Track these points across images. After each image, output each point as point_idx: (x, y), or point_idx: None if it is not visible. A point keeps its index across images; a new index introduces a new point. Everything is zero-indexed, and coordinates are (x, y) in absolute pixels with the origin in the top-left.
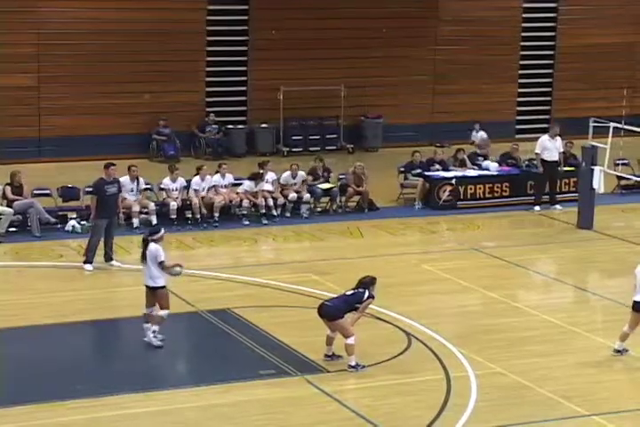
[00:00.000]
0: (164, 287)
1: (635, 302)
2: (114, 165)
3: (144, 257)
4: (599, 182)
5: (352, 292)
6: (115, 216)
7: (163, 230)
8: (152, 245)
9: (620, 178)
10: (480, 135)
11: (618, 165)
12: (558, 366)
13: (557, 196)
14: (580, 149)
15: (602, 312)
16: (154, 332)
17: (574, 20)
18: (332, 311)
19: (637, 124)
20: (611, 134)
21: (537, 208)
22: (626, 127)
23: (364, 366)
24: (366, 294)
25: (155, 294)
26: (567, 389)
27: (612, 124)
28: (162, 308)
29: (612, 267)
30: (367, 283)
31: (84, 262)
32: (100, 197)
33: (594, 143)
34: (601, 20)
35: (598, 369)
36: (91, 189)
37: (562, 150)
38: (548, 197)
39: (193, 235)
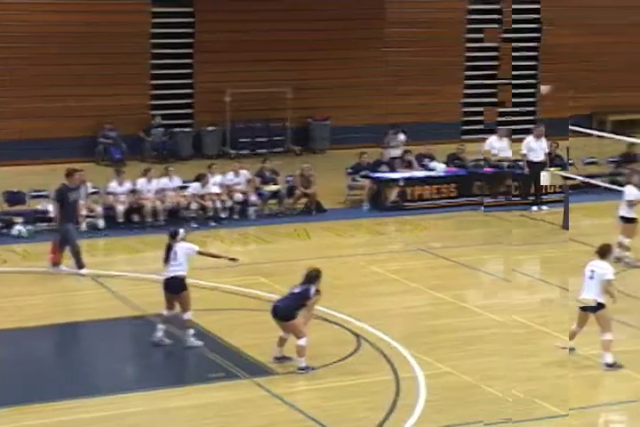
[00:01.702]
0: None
1: (584, 302)
2: (79, 171)
3: (167, 259)
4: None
5: (299, 289)
6: (74, 221)
7: (182, 230)
8: (181, 244)
9: (566, 178)
10: (399, 137)
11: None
12: (506, 366)
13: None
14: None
15: (548, 311)
16: (193, 335)
17: (554, 20)
18: (285, 312)
19: (579, 124)
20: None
21: (534, 208)
22: (570, 128)
23: (313, 368)
24: (312, 289)
25: (179, 296)
26: (517, 387)
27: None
28: (186, 310)
29: (560, 266)
30: (313, 277)
31: (79, 268)
32: (62, 204)
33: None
34: (547, 21)
35: (547, 368)
36: (54, 196)
37: (547, 151)
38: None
39: (141, 238)
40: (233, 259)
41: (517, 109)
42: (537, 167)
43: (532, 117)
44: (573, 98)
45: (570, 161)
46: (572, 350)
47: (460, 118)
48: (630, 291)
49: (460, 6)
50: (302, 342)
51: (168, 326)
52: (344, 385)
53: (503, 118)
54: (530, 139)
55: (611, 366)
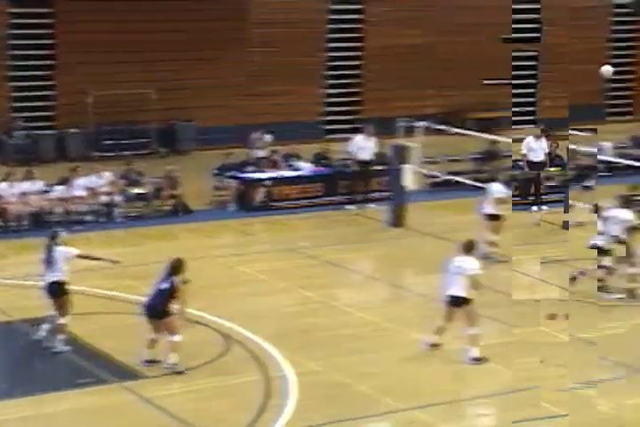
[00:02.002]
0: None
1: (451, 297)
2: None
3: (46, 263)
4: (409, 180)
5: (166, 284)
6: None
7: (63, 232)
8: (59, 248)
9: (428, 176)
10: (265, 137)
11: (426, 162)
12: (377, 363)
13: (369, 194)
14: (390, 149)
15: (416, 308)
16: (61, 340)
17: (380, 21)
18: (158, 309)
19: (441, 122)
20: (419, 133)
21: (534, 208)
22: (432, 126)
23: (185, 371)
24: (176, 281)
25: (59, 301)
26: (386, 384)
27: (420, 124)
28: (64, 315)
29: (425, 263)
30: (176, 268)
31: None
32: None
33: (403, 142)
34: (405, 21)
35: (416, 364)
36: None
37: (547, 151)
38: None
39: (4, 243)
40: (115, 261)
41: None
42: (537, 167)
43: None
44: (434, 96)
45: (433, 159)
46: (436, 345)
47: (323, 118)
48: (496, 286)
49: (320, 7)
50: (177, 338)
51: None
52: (214, 387)
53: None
54: (530, 139)
55: (477, 360)
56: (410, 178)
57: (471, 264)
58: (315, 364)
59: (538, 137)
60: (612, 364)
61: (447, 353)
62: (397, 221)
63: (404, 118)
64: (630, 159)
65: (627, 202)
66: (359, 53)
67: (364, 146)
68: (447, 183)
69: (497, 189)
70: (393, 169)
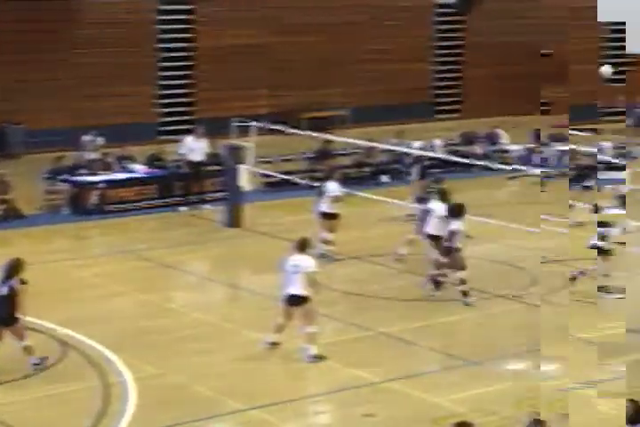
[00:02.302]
0: None
1: (289, 296)
2: None
3: None
4: (245, 180)
5: (4, 290)
6: None
7: None
8: None
9: (264, 175)
10: (97, 140)
11: (261, 162)
12: (216, 364)
13: (204, 195)
14: (224, 149)
15: (254, 308)
16: None
17: (212, 21)
18: (3, 316)
19: (276, 122)
20: (253, 133)
21: (184, 209)
22: (267, 126)
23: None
24: (15, 284)
25: None
26: (227, 385)
27: (254, 124)
28: None
29: (262, 263)
30: (13, 269)
31: None
32: None
33: (238, 142)
34: (237, 21)
35: (255, 363)
36: None
37: (207, 151)
38: None
39: None
40: None
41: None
42: (195, 167)
43: (190, 118)
44: (268, 96)
45: (268, 159)
46: (275, 344)
47: (157, 119)
48: (333, 284)
49: (149, 7)
50: (26, 341)
51: None
52: (52, 394)
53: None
54: (189, 139)
55: (315, 357)
56: (245, 178)
57: (307, 262)
58: (154, 367)
59: (198, 137)
60: (444, 356)
61: (286, 352)
62: (233, 221)
63: (238, 118)
64: (460, 156)
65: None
66: (191, 54)
67: (194, 147)
68: (282, 183)
69: (332, 187)
70: (228, 169)
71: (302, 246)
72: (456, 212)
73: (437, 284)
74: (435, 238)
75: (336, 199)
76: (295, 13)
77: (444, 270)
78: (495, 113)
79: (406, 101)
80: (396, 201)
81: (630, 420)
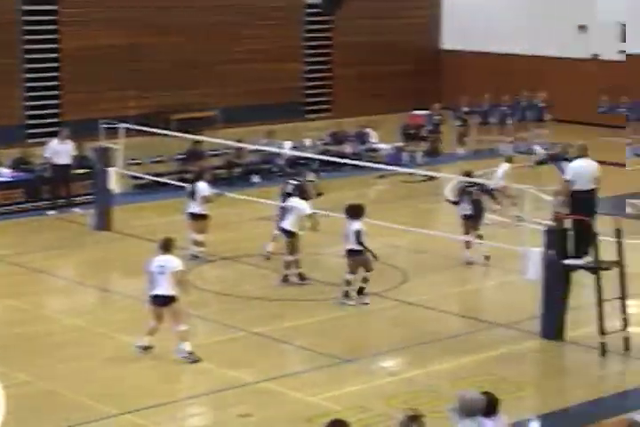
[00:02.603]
0: None
1: (155, 297)
2: None
3: None
4: (114, 183)
5: None
6: None
7: None
8: None
9: (134, 177)
10: None
11: (131, 164)
12: (88, 369)
13: (71, 198)
14: (93, 151)
15: (126, 311)
16: None
17: (76, 22)
18: None
19: (146, 124)
20: (122, 135)
21: (52, 212)
22: (136, 127)
23: None
24: None
25: None
26: (99, 390)
27: (122, 125)
28: None
29: (133, 265)
30: None
31: None
32: None
33: (106, 144)
34: (103, 22)
35: (128, 367)
36: None
37: (73, 153)
38: None
39: None
40: None
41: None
42: (62, 170)
43: (57, 120)
44: (137, 98)
45: (138, 161)
46: (149, 347)
47: (24, 121)
48: (205, 285)
49: (11, 7)
50: None
51: None
52: None
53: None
54: (54, 142)
55: (190, 354)
56: (114, 180)
57: (173, 262)
58: (25, 374)
59: (62, 139)
60: (318, 355)
61: (159, 355)
62: (103, 224)
63: (106, 120)
64: (330, 155)
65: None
66: (56, 55)
67: (59, 150)
68: (152, 184)
69: (202, 188)
70: (97, 172)
71: (166, 246)
72: (355, 212)
73: (286, 280)
74: (290, 234)
75: (205, 200)
76: (162, 14)
77: (291, 268)
78: (364, 112)
79: (277, 102)
80: (267, 201)
81: (485, 412)
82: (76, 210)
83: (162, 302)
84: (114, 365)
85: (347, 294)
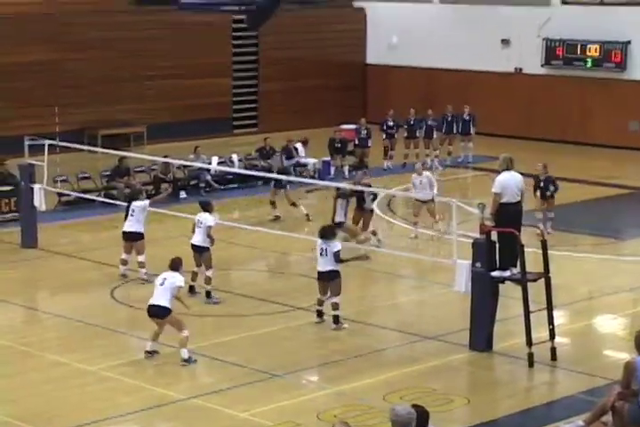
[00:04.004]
0: None
1: (149, 306)
2: None
3: None
4: (40, 200)
5: None
6: None
7: None
8: None
9: (60, 194)
10: None
11: (57, 181)
12: (14, 389)
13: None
14: (18, 168)
15: (54, 329)
16: None
17: None
18: None
19: (70, 140)
20: (47, 151)
21: None
22: (60, 144)
23: None
24: None
25: None
26: (24, 410)
27: (47, 142)
28: None
29: (60, 283)
30: None
31: None
32: None
33: (31, 161)
34: (26, 37)
35: (54, 386)
36: None
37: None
38: None
39: None
40: None
41: None
42: None
43: None
44: (62, 115)
45: (63, 177)
46: (153, 352)
47: None
48: (134, 303)
49: None
50: None
51: None
52: None
53: None
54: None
55: (186, 360)
56: (40, 198)
57: (175, 278)
58: None
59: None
60: (247, 370)
61: (86, 373)
62: (30, 241)
63: (30, 137)
64: (257, 170)
65: None
66: None
67: None
68: (78, 201)
69: (138, 205)
70: (22, 189)
71: (173, 265)
72: (332, 233)
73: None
74: (198, 249)
75: (143, 218)
76: (87, 29)
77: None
78: (291, 127)
79: (205, 117)
80: (194, 216)
81: (416, 425)
82: (0, 228)
83: (155, 312)
84: (41, 383)
85: (337, 320)
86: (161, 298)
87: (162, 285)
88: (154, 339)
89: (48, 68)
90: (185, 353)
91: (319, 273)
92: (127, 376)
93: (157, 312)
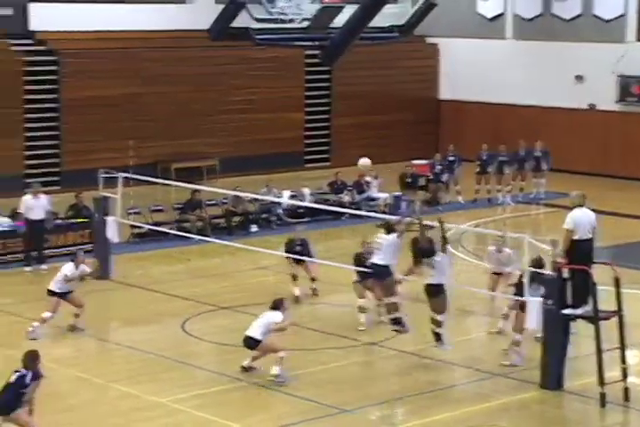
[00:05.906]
0: None
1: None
2: None
3: None
4: (113, 232)
5: (16, 376)
6: None
7: None
8: None
9: (133, 227)
10: None
11: (130, 214)
12: (82, 420)
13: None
14: (92, 201)
15: (124, 361)
16: None
17: (76, 72)
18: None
19: (144, 173)
20: (120, 184)
21: (28, 268)
22: (134, 177)
23: None
24: (29, 375)
25: None
26: None
27: (121, 175)
28: None
29: (132, 315)
30: (30, 359)
31: None
32: None
33: (105, 194)
34: (102, 72)
35: (124, 420)
36: None
37: (48, 208)
38: None
39: None
40: None
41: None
42: (36, 225)
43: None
44: (137, 148)
45: (136, 210)
46: (251, 368)
47: (24, 171)
48: (204, 336)
49: (11, 58)
50: None
51: None
52: None
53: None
54: (28, 197)
55: (277, 376)
56: (113, 230)
57: (274, 316)
58: None
59: (35, 195)
60: (309, 405)
61: (157, 406)
62: (103, 273)
63: (105, 170)
64: (328, 205)
65: None
66: (56, 105)
67: (32, 205)
68: (151, 234)
69: None
70: (96, 221)
71: (275, 305)
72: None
73: None
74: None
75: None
76: (160, 64)
77: None
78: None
79: (276, 151)
80: (266, 250)
81: None
82: (44, 267)
83: (247, 343)
84: (112, 415)
85: (439, 338)
86: (256, 330)
87: (260, 317)
88: (254, 358)
89: (124, 101)
90: (277, 370)
91: (426, 286)
92: (197, 409)
93: (249, 343)
